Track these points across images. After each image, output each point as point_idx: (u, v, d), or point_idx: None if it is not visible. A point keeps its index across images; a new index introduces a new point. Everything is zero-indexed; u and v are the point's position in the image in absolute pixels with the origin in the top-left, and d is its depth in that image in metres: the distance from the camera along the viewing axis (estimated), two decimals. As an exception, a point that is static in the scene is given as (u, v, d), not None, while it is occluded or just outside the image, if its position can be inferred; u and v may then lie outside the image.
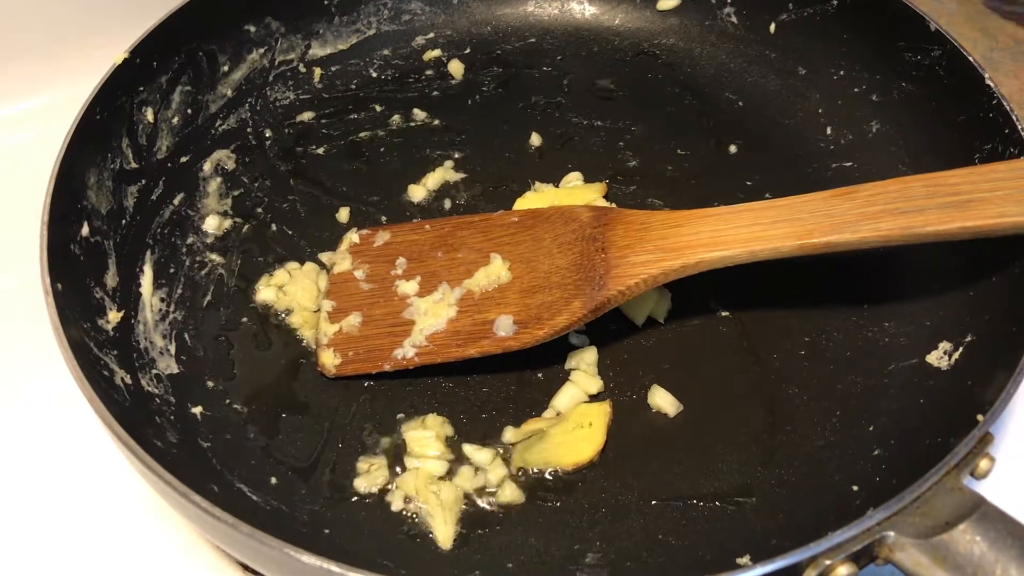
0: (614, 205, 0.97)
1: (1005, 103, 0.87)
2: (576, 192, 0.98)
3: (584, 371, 0.86)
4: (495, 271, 0.87)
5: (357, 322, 0.87)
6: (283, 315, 0.90)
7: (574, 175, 1.00)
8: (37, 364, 0.91)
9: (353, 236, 0.94)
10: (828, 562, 0.62)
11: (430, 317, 0.86)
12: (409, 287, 0.88)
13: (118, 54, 0.93)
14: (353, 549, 0.75)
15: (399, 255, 0.91)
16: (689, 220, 0.81)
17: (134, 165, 0.94)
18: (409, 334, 0.86)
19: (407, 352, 0.85)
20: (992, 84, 0.88)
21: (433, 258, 0.90)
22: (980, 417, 0.69)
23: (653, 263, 0.80)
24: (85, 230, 0.86)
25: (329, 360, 0.86)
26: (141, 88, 0.96)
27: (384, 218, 0.98)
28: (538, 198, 0.98)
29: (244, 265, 0.94)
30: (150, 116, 0.96)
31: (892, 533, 0.63)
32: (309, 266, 0.94)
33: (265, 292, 0.92)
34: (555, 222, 0.88)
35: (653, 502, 0.78)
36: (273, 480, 0.79)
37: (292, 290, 0.91)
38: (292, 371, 0.87)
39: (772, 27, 1.08)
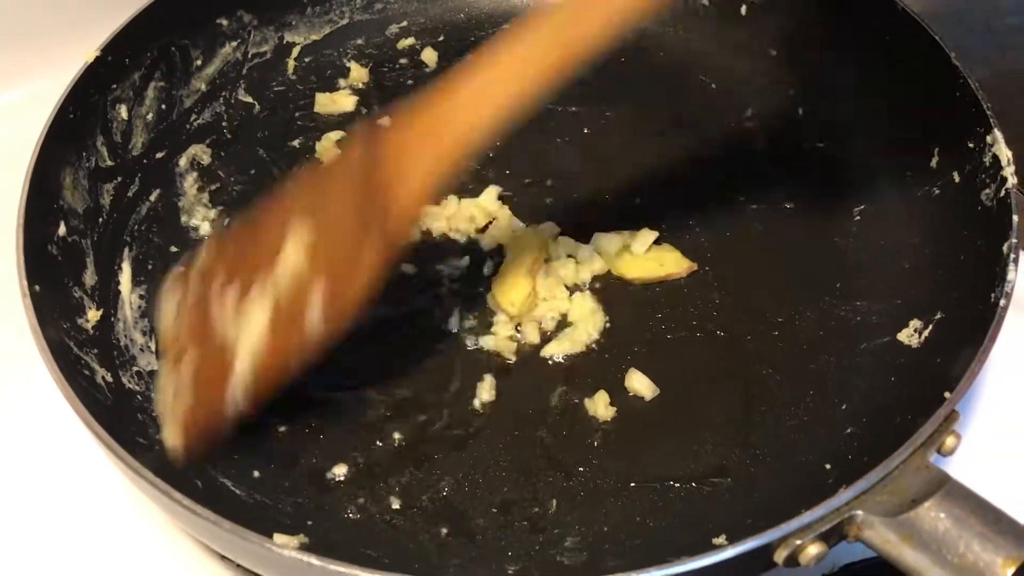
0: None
1: (971, 82, 0.88)
2: None
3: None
4: (290, 259, 0.70)
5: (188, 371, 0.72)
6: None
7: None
8: (6, 363, 0.91)
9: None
10: (799, 541, 0.64)
11: (246, 329, 0.70)
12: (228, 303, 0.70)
13: (89, 52, 0.92)
14: (336, 539, 0.76)
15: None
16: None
17: (109, 163, 0.94)
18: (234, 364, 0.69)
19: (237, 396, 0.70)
20: (959, 64, 0.89)
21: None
22: (947, 395, 0.71)
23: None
24: (62, 230, 0.86)
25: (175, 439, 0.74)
26: (114, 85, 0.95)
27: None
28: None
29: (222, 260, 0.94)
30: (124, 113, 0.96)
31: (861, 512, 0.64)
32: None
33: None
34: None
35: (631, 485, 0.79)
36: (256, 473, 0.80)
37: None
38: (273, 364, 0.87)
39: (743, 9, 1.08)
